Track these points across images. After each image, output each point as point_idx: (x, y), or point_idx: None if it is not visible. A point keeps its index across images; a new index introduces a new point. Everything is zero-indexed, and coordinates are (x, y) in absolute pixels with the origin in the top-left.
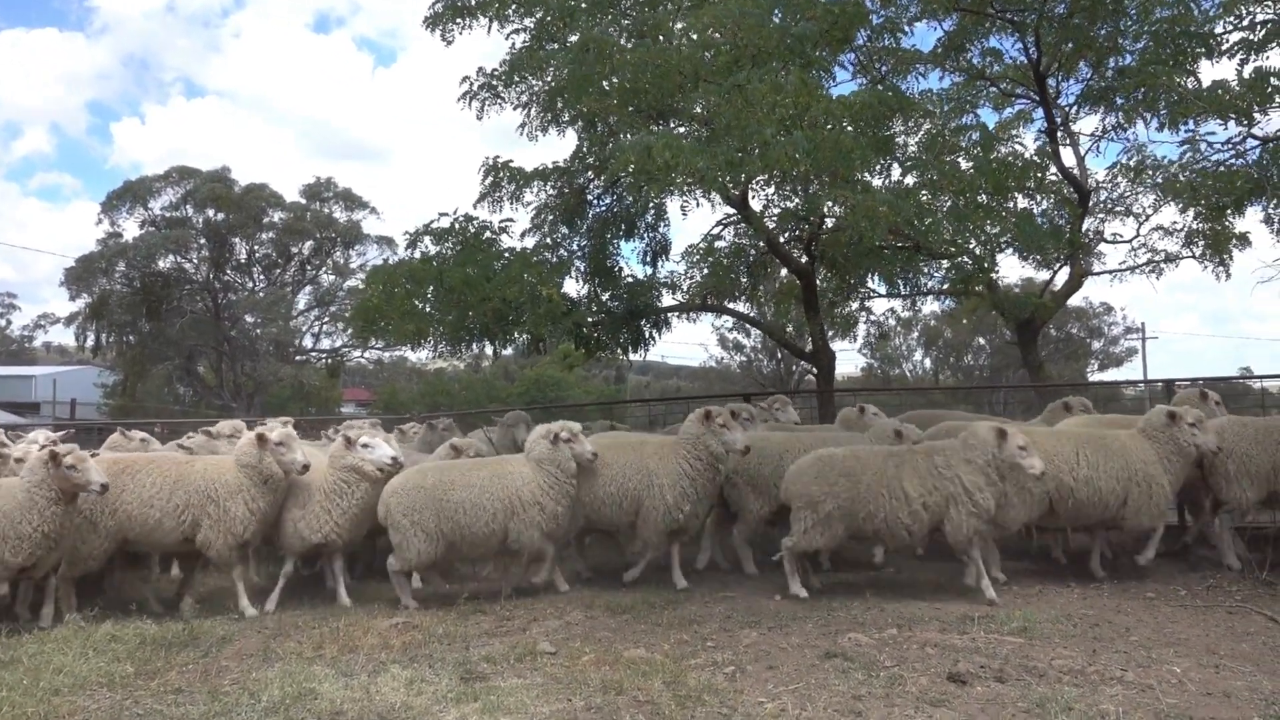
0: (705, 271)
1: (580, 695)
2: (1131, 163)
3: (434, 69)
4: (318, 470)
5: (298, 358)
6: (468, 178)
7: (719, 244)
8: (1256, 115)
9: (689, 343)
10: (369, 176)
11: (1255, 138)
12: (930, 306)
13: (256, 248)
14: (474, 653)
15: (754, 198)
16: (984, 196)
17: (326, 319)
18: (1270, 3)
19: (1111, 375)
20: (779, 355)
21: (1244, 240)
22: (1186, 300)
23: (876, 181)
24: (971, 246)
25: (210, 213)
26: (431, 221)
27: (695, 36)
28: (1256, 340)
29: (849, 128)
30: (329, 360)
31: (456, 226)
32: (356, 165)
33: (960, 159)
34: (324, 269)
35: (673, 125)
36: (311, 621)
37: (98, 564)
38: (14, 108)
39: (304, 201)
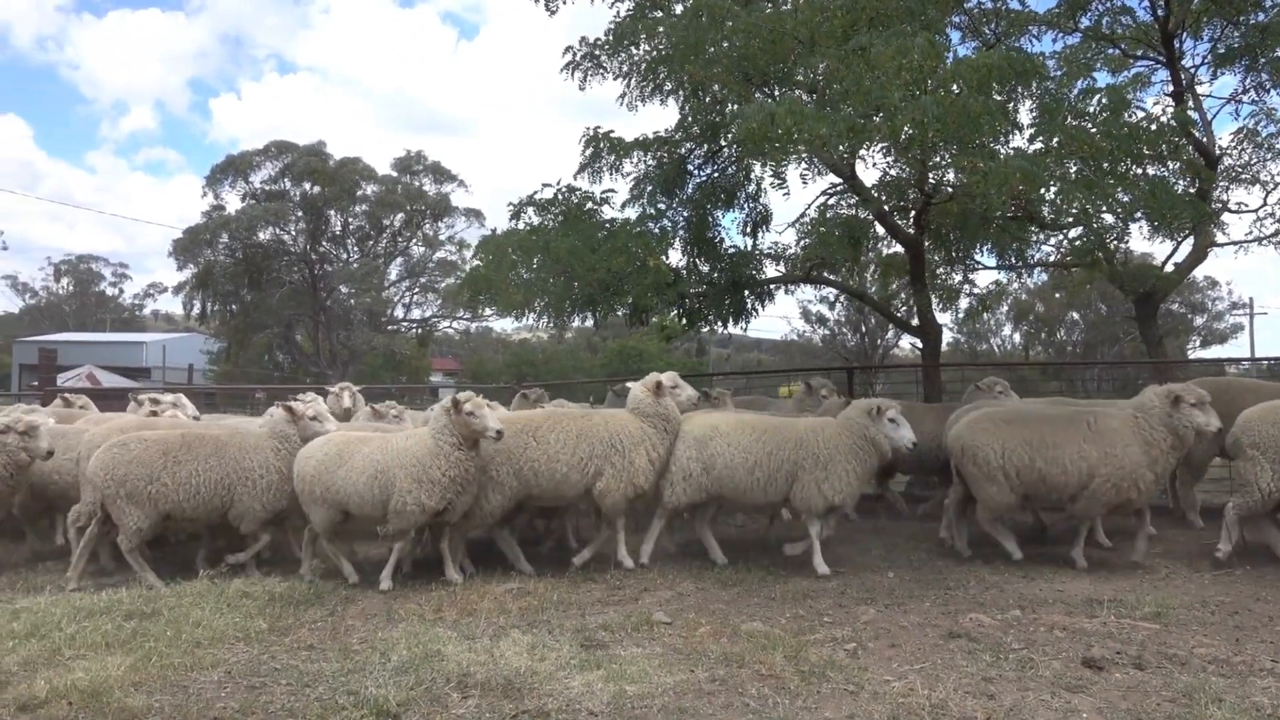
0: (813, 241)
1: (702, 666)
2: (1260, 127)
3: (515, 42)
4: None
5: (389, 327)
6: (549, 150)
7: (829, 214)
8: None
9: (771, 316)
10: (453, 149)
11: None
12: (1022, 280)
13: (350, 220)
14: (590, 620)
15: (863, 167)
16: (1114, 162)
17: (417, 290)
18: None
19: (1215, 352)
20: (863, 329)
21: None
22: None
23: (999, 148)
24: (1104, 215)
25: (307, 186)
26: (535, 192)
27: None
28: None
29: (979, 92)
30: (419, 330)
31: (559, 197)
32: (441, 138)
33: (1086, 123)
34: (414, 240)
35: (778, 93)
36: (427, 585)
37: (493, 521)
38: (122, 87)
39: (395, 174)
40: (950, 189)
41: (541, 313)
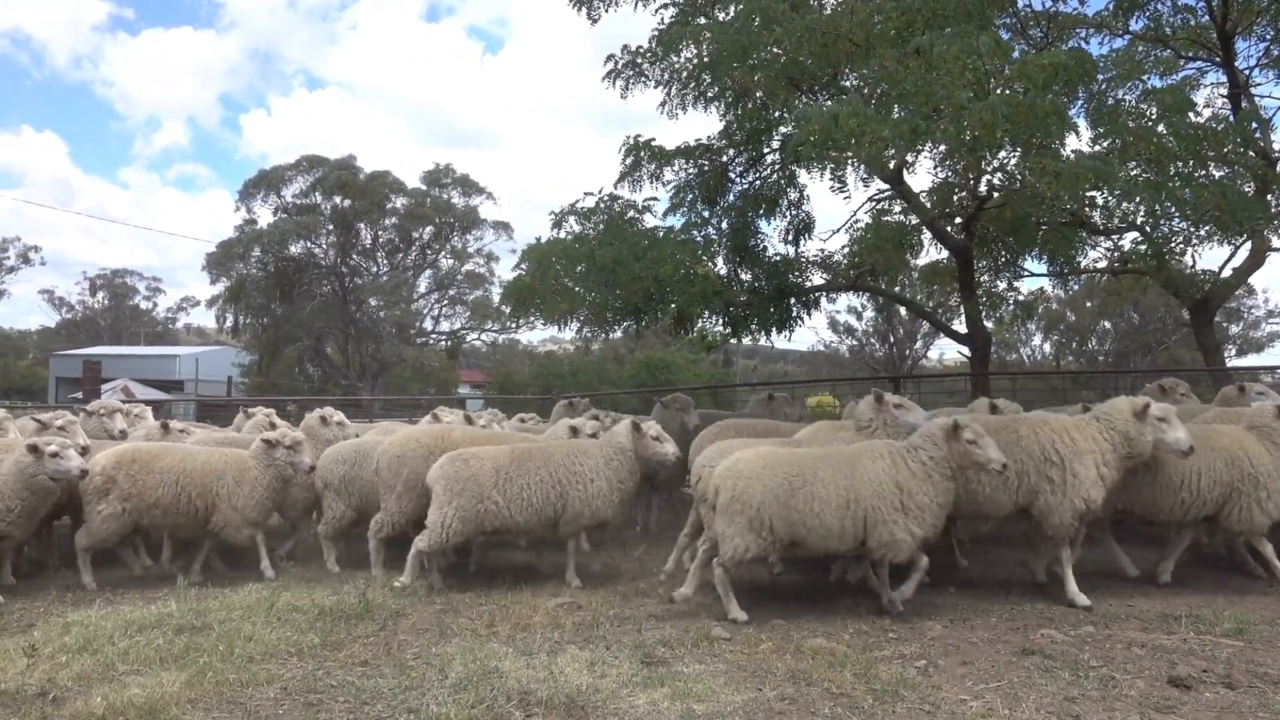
0: (864, 247)
1: (770, 685)
2: None
3: (539, 55)
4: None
5: (418, 340)
6: (576, 161)
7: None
8: None
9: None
10: (480, 162)
11: None
12: (1069, 288)
13: (380, 233)
14: (648, 636)
15: (908, 173)
16: (1179, 164)
17: (445, 302)
18: None
19: (1251, 361)
20: (891, 339)
21: None
22: None
23: (1062, 150)
24: (1174, 216)
25: (337, 199)
26: (576, 201)
27: (865, 2)
28: None
29: (1043, 91)
30: (448, 342)
31: (601, 206)
32: (468, 151)
33: (1148, 124)
34: (443, 253)
35: (821, 98)
36: (477, 599)
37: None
38: (154, 103)
39: (424, 188)
40: (1001, 193)
41: (585, 322)
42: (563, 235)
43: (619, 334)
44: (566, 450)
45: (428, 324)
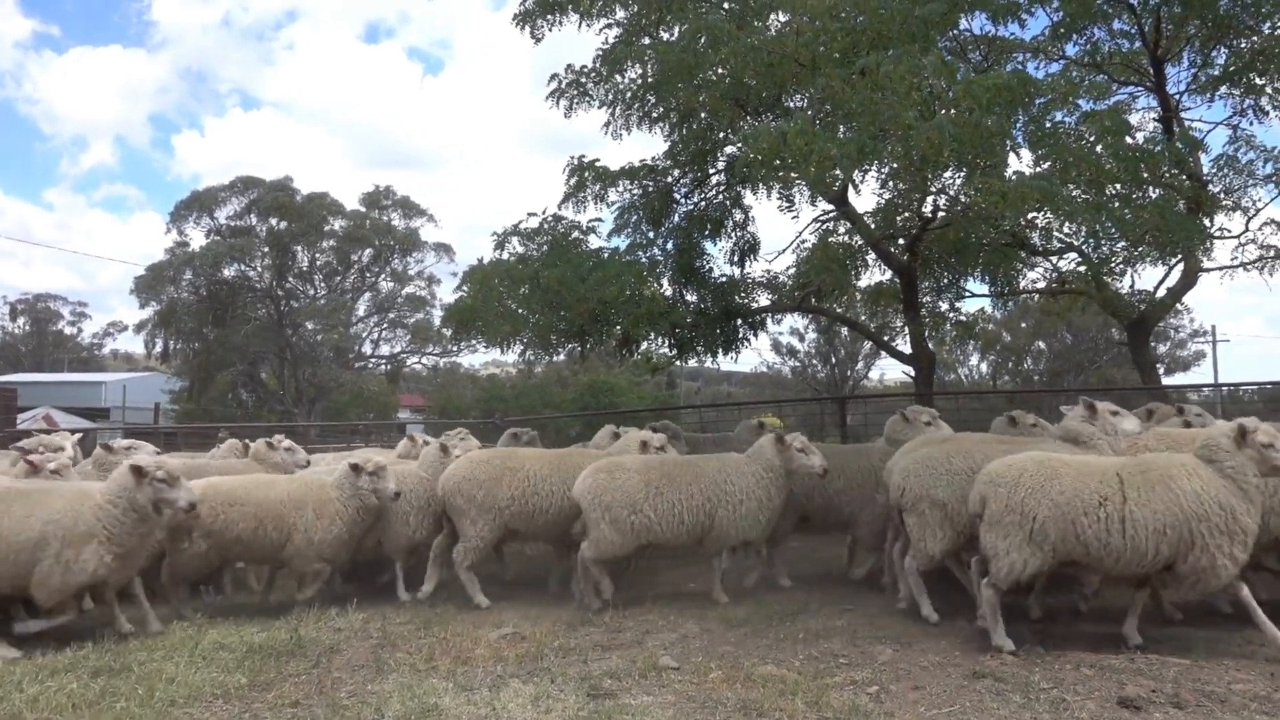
0: (810, 268)
1: (719, 715)
2: (1239, 154)
3: (480, 78)
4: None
5: (357, 364)
6: (517, 183)
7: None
8: None
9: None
10: (421, 184)
11: None
12: (1008, 308)
13: (318, 255)
14: (594, 667)
15: (853, 194)
16: (1118, 185)
17: (385, 325)
18: None
19: (1178, 379)
20: (833, 360)
21: None
22: (1249, 302)
23: (1007, 171)
24: (1114, 236)
25: (273, 221)
26: (519, 222)
27: (812, 21)
28: None
29: (988, 112)
30: (387, 366)
31: (545, 227)
32: (409, 173)
33: (1086, 146)
34: (383, 276)
35: (766, 119)
36: (416, 631)
37: None
38: (81, 122)
39: (363, 209)
40: (946, 213)
41: (529, 344)
42: (506, 256)
43: (563, 356)
44: (717, 467)
45: (367, 348)
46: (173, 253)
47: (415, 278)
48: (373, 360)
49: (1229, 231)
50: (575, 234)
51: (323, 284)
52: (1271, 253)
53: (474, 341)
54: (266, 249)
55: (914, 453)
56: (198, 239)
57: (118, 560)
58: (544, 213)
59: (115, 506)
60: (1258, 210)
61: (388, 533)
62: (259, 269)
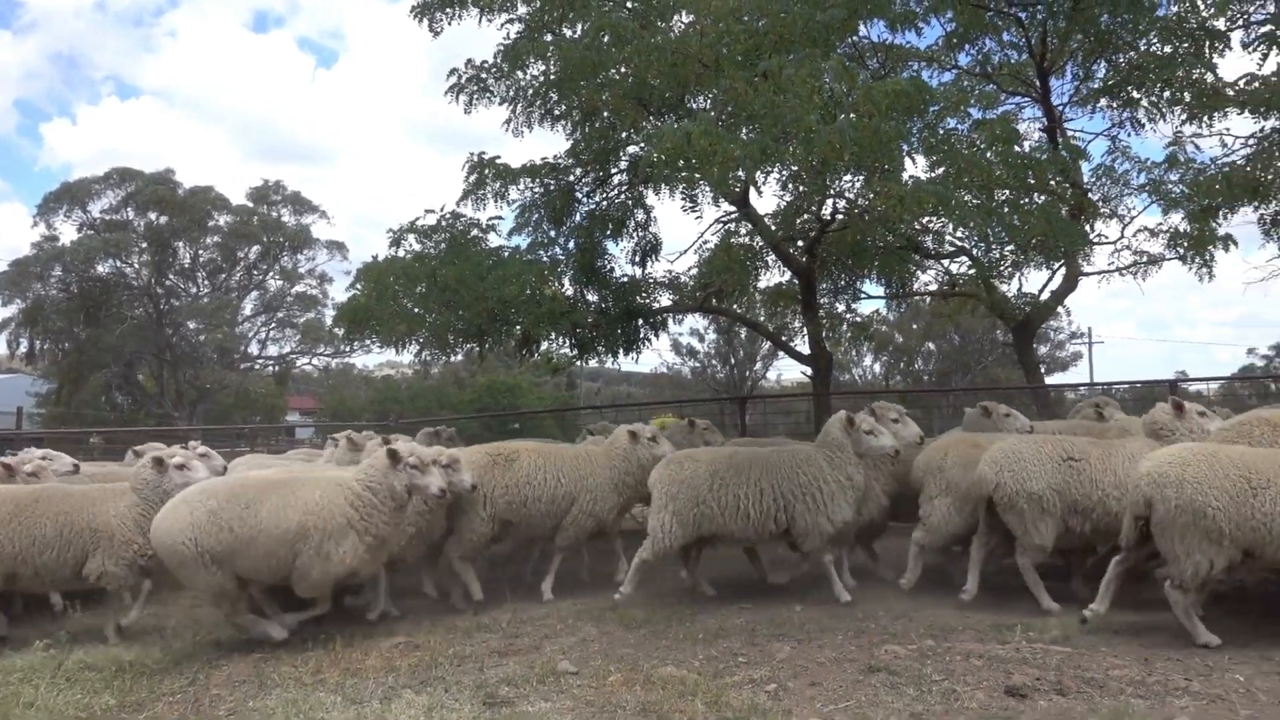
0: (710, 269)
1: None
2: (1116, 164)
3: (376, 71)
4: None
5: (243, 365)
6: (414, 181)
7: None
8: None
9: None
10: (313, 180)
11: None
12: (902, 310)
13: (201, 252)
14: (490, 675)
15: (754, 196)
16: (1007, 191)
17: (273, 325)
18: (1266, 2)
19: (1058, 379)
20: (732, 361)
21: (1228, 242)
22: (1122, 306)
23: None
24: (1004, 240)
25: (153, 216)
26: (416, 219)
27: (715, 22)
28: (1187, 344)
29: (890, 117)
30: (275, 368)
31: (443, 224)
32: (300, 168)
33: (984, 152)
34: (271, 274)
35: (671, 120)
36: (302, 643)
37: None
38: None
39: (251, 205)
40: (845, 216)
41: (425, 344)
42: (402, 254)
43: (461, 357)
44: (789, 458)
45: (253, 348)
46: (40, 247)
47: (306, 276)
48: (260, 361)
49: (1106, 238)
50: (475, 232)
51: (206, 282)
52: (1144, 258)
53: (368, 341)
54: (145, 244)
55: (1002, 446)
56: (69, 233)
57: (370, 552)
58: (442, 210)
59: (375, 494)
60: (1133, 218)
61: None
62: (136, 265)
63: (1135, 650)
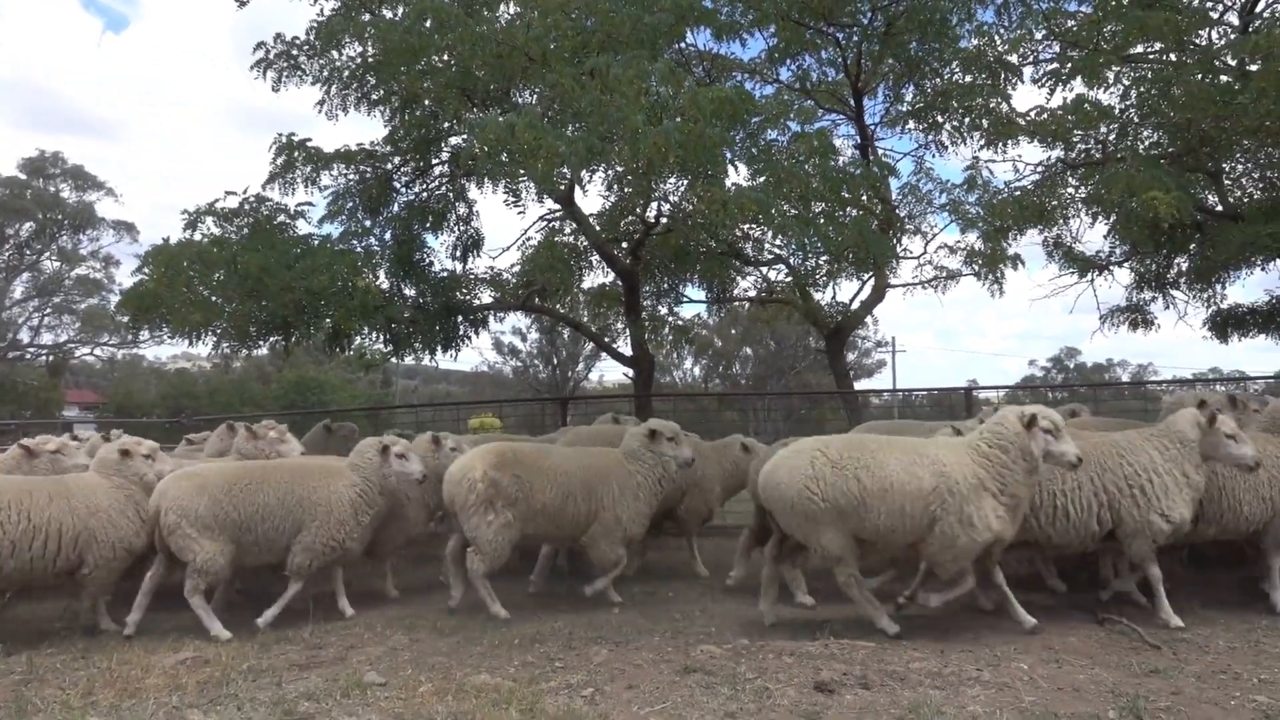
0: (533, 267)
1: None
2: (920, 184)
3: (173, 39)
4: None
5: (10, 354)
6: (217, 161)
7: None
8: (1075, 139)
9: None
10: (98, 154)
11: (1065, 163)
12: (722, 314)
13: None
14: (289, 689)
15: (579, 195)
16: (823, 203)
17: (49, 310)
18: (1052, 43)
19: (864, 385)
20: (555, 361)
21: (1017, 261)
22: (922, 317)
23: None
24: (820, 250)
25: None
26: (215, 200)
27: (543, 16)
28: (978, 355)
29: (714, 123)
30: (50, 357)
31: (246, 208)
32: (83, 140)
33: (802, 165)
34: (47, 254)
35: (495, 112)
36: (72, 662)
37: None
38: None
39: (23, 177)
40: (669, 220)
41: (223, 336)
42: (198, 238)
43: (265, 350)
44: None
45: (24, 335)
46: None
47: (89, 258)
48: (31, 350)
49: (910, 253)
50: (281, 218)
51: None
52: (944, 273)
53: (158, 331)
54: None
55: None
56: None
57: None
58: (245, 192)
59: (1005, 453)
60: (934, 235)
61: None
62: None
63: (933, 643)
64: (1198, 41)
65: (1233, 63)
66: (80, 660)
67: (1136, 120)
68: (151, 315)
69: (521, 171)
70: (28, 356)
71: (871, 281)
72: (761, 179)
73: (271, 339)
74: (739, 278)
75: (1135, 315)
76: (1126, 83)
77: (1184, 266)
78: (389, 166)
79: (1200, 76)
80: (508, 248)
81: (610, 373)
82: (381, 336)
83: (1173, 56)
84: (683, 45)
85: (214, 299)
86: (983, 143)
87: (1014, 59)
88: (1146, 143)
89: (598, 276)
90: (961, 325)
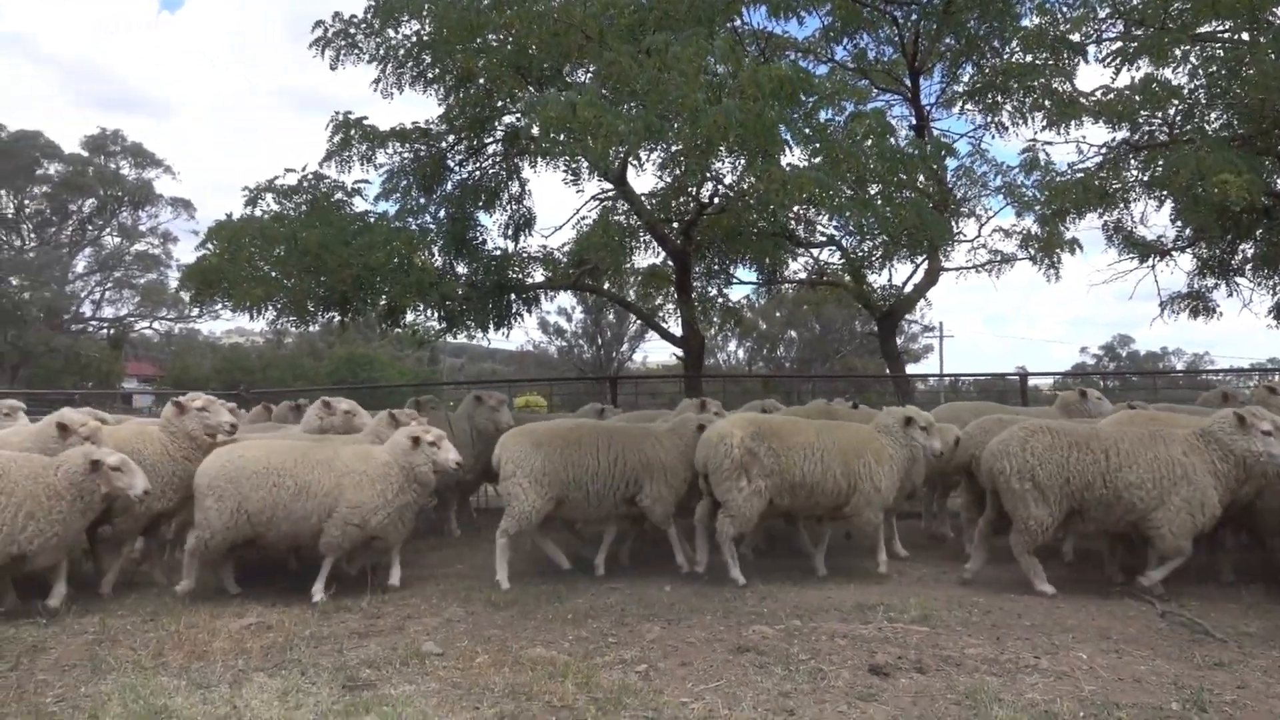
0: (588, 246)
1: (487, 702)
2: (975, 166)
3: (228, 18)
4: None
5: (74, 326)
6: (272, 140)
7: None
8: (1141, 120)
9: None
10: (157, 132)
11: (1129, 145)
12: (773, 295)
13: (28, 202)
14: (350, 656)
15: (632, 174)
16: (880, 184)
17: (110, 285)
18: (1116, 21)
19: (910, 370)
20: (599, 341)
21: (1074, 245)
22: (971, 301)
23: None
24: (877, 232)
25: None
26: (275, 178)
27: None
28: (1029, 341)
29: (772, 102)
30: (110, 330)
31: (305, 185)
32: (141, 119)
33: (859, 145)
34: (108, 230)
35: (550, 91)
36: (141, 625)
37: None
38: None
39: (86, 154)
40: (722, 200)
41: (282, 311)
42: (259, 214)
43: (319, 326)
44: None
45: (86, 309)
46: None
47: (148, 234)
48: (93, 323)
49: (965, 236)
50: (339, 195)
51: (33, 235)
52: (999, 257)
53: (219, 306)
54: None
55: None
56: None
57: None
58: (304, 170)
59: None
60: (989, 218)
61: None
62: None
63: (989, 630)
64: (1271, 19)
65: None
66: (150, 623)
67: (1204, 101)
68: (214, 290)
69: (578, 150)
70: (90, 330)
71: (925, 265)
72: (818, 159)
73: (329, 314)
74: (790, 259)
75: (1197, 302)
76: (1195, 62)
77: (1249, 253)
78: (443, 145)
79: (1274, 56)
80: (560, 226)
81: (654, 354)
82: (435, 313)
83: (1245, 35)
84: (736, 24)
85: (274, 274)
86: (1044, 123)
87: (1076, 37)
88: (1215, 124)
89: (648, 257)
90: (1009, 311)
